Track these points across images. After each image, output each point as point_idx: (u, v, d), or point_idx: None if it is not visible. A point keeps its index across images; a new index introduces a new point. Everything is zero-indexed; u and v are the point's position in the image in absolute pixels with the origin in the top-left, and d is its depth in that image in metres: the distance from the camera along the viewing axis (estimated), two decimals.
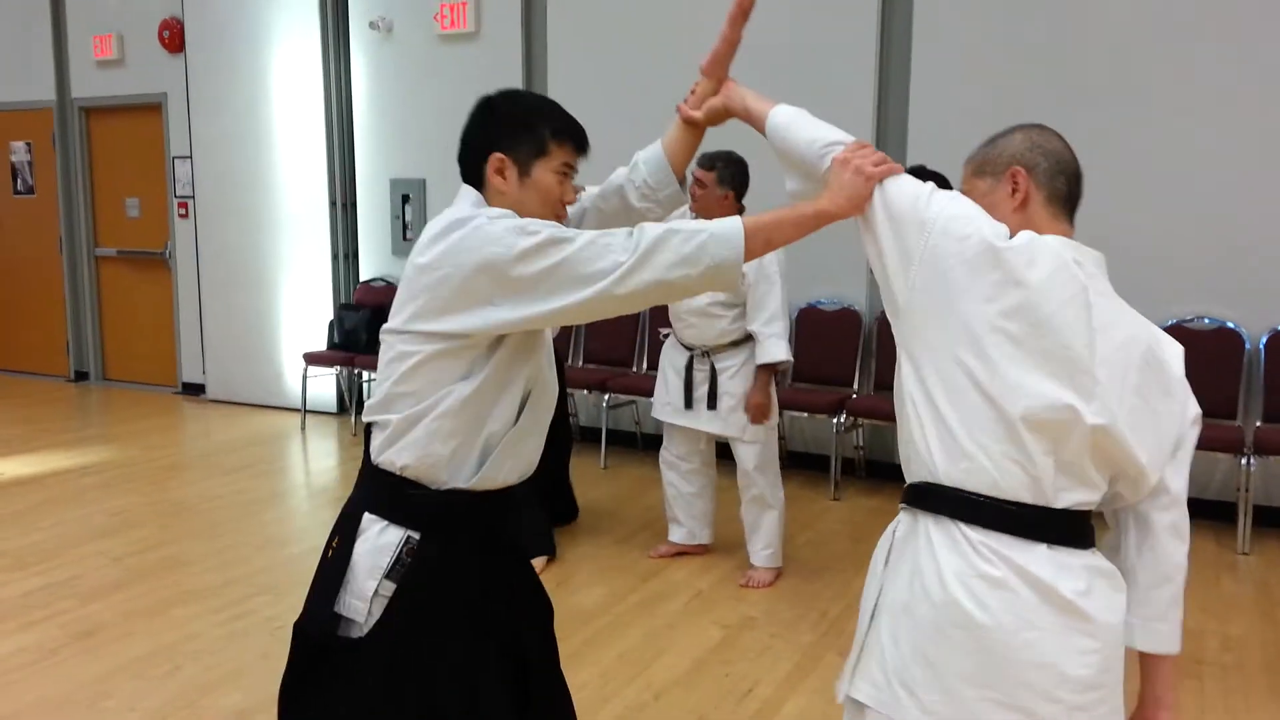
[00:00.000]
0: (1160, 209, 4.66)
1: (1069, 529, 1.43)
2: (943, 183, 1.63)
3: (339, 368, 6.62)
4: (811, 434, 5.44)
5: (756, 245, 1.54)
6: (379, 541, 1.60)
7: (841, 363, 5.30)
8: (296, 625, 1.70)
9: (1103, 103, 4.77)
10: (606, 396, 5.60)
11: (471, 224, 1.54)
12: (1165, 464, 1.45)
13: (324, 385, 6.84)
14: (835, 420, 5.02)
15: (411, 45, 6.54)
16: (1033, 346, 1.38)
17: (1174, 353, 1.48)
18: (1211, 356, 4.54)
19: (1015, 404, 1.39)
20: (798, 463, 5.39)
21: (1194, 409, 1.49)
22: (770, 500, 3.89)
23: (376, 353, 6.51)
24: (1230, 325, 4.66)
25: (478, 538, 1.67)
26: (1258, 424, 4.54)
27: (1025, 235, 1.43)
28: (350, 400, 6.80)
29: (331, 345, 6.66)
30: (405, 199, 6.70)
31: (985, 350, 1.39)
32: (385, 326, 1.65)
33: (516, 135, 1.64)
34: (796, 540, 4.27)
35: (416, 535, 1.59)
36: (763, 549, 3.91)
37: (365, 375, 6.74)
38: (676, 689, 3.07)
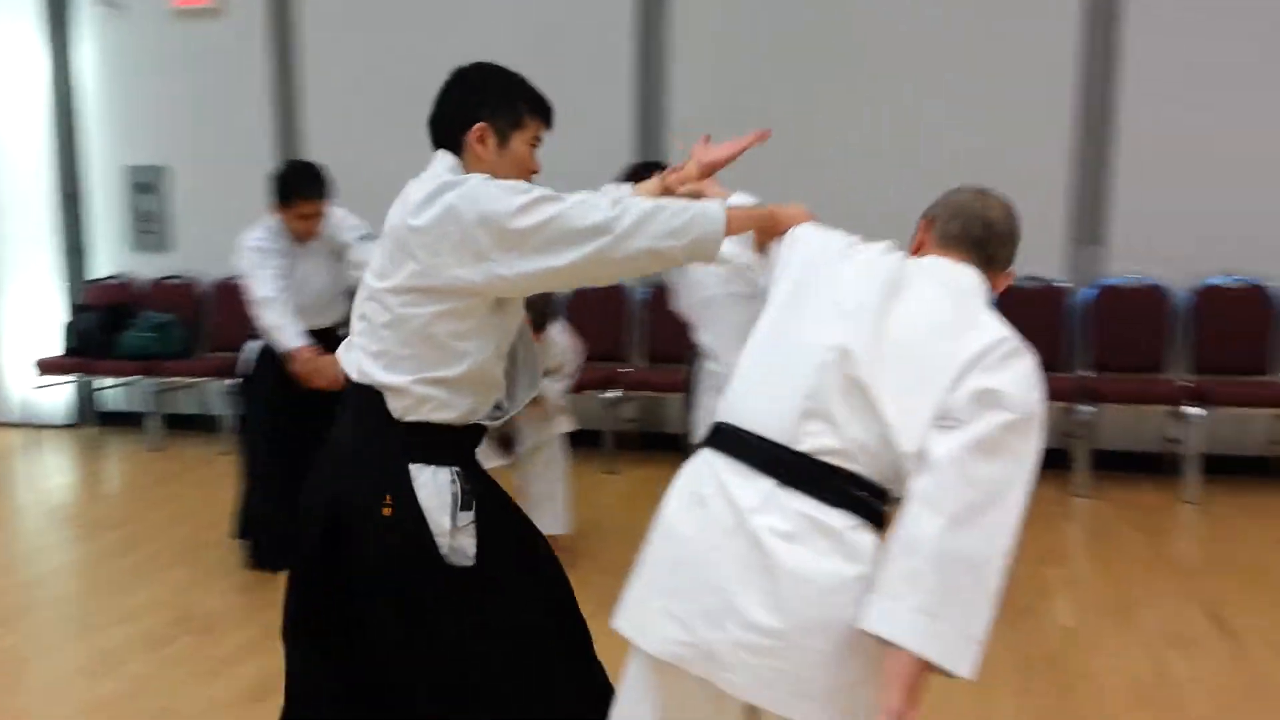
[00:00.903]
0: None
1: (809, 475, 1.44)
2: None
3: (76, 375, 6.02)
4: (581, 410, 5.47)
5: (730, 226, 1.69)
6: (436, 483, 1.74)
7: (611, 339, 5.42)
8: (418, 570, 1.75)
9: (900, 84, 5.12)
10: None
11: (466, 184, 1.65)
12: (926, 433, 1.40)
13: (54, 395, 6.21)
14: (606, 395, 5.16)
15: (145, 23, 6.04)
16: (832, 305, 1.54)
17: (992, 349, 1.44)
18: (1038, 311, 4.92)
19: (799, 341, 1.53)
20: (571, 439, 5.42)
21: (980, 383, 1.40)
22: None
23: (114, 357, 5.88)
24: (1057, 283, 5.02)
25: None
26: (1090, 374, 4.93)
27: (870, 243, 1.66)
28: (89, 411, 6.20)
29: (68, 351, 6.04)
30: (143, 188, 6.19)
31: (799, 307, 1.58)
32: (377, 287, 1.71)
33: (497, 107, 1.79)
34: (573, 515, 4.28)
35: (458, 468, 1.77)
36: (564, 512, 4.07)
37: (99, 383, 6.19)
38: None
